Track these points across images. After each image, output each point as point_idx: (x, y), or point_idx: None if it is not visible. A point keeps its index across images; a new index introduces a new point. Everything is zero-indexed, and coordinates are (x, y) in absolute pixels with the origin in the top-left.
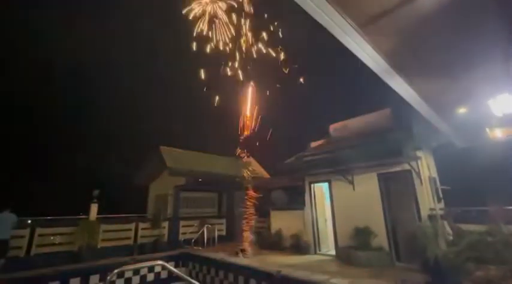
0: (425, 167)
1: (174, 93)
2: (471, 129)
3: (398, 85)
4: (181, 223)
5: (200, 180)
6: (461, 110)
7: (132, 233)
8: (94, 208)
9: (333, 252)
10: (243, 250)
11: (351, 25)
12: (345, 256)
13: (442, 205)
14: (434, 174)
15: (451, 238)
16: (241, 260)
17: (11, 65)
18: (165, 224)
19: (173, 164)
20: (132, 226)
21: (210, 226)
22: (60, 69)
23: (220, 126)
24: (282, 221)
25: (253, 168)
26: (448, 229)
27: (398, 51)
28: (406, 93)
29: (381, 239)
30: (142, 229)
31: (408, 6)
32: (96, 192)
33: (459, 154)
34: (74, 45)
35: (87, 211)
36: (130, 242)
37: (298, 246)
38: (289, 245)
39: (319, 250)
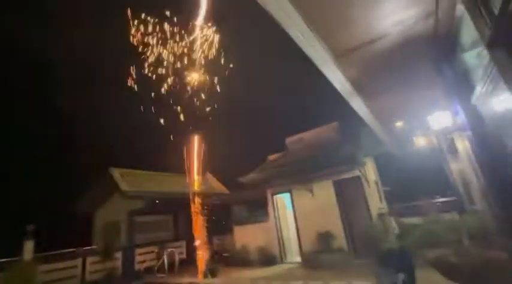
0: (371, 172)
1: (114, 108)
2: (404, 138)
3: (357, 104)
4: (138, 250)
5: (157, 201)
6: (398, 124)
7: (79, 271)
8: (29, 246)
9: (299, 259)
10: (211, 270)
11: (329, 55)
12: (310, 261)
13: (385, 204)
14: (377, 178)
15: (396, 232)
16: (211, 281)
17: None
18: (119, 254)
19: (127, 187)
20: (79, 261)
21: (173, 249)
22: None
23: (171, 143)
24: (246, 236)
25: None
26: (394, 224)
27: (361, 78)
28: (361, 110)
29: (340, 240)
30: (91, 263)
31: (372, 45)
32: (30, 227)
33: (395, 160)
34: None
35: (19, 251)
36: (78, 281)
37: (265, 258)
38: (256, 258)
39: (286, 259)
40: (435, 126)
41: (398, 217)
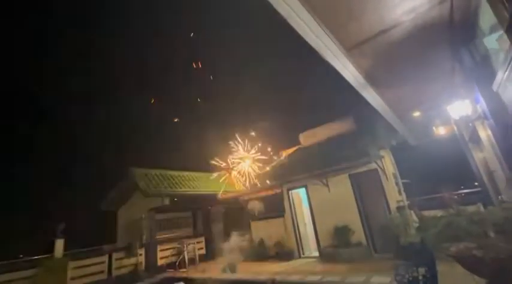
0: (389, 164)
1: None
2: (422, 128)
3: (371, 96)
4: (160, 247)
5: (176, 199)
6: (416, 114)
7: (105, 266)
8: (60, 244)
9: (317, 254)
10: (230, 265)
11: (339, 49)
12: (328, 256)
13: (404, 196)
14: (395, 170)
15: (416, 225)
16: (231, 275)
17: None
18: (141, 250)
19: (147, 186)
20: (105, 258)
21: (193, 245)
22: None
23: (191, 142)
24: (263, 231)
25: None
26: (414, 217)
27: (374, 69)
28: (375, 102)
29: (359, 234)
30: (117, 259)
31: (384, 35)
32: (61, 226)
33: (413, 151)
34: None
35: (51, 249)
36: (105, 276)
37: (282, 253)
38: (273, 253)
39: (303, 254)
40: (455, 115)
41: (418, 210)
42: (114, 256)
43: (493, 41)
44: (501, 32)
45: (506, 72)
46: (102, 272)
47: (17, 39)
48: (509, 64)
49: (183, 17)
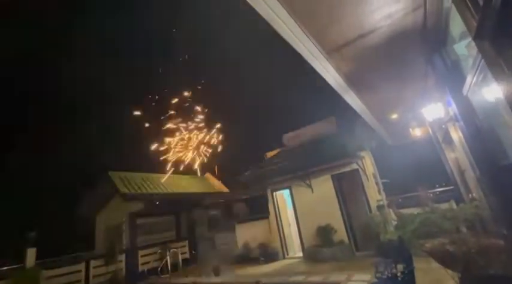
0: (369, 165)
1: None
2: (399, 130)
3: (351, 98)
4: (141, 252)
5: (157, 203)
6: (394, 116)
7: (82, 275)
8: (31, 253)
9: (301, 254)
10: (214, 269)
11: (320, 52)
12: (311, 255)
13: (383, 195)
14: (375, 170)
15: (394, 222)
16: (215, 279)
17: None
18: (122, 257)
19: (126, 189)
20: (82, 266)
21: (175, 249)
22: None
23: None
24: (247, 233)
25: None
26: (393, 215)
27: (354, 72)
28: (355, 104)
29: (341, 233)
30: (95, 267)
31: (363, 39)
32: (31, 234)
33: (392, 152)
34: None
35: (22, 259)
36: None
37: (267, 254)
38: (258, 255)
39: (287, 255)
40: (429, 117)
41: (397, 208)
42: (92, 263)
43: (462, 47)
44: (470, 39)
45: (475, 78)
46: (79, 281)
47: None
48: (477, 70)
49: (162, 16)
